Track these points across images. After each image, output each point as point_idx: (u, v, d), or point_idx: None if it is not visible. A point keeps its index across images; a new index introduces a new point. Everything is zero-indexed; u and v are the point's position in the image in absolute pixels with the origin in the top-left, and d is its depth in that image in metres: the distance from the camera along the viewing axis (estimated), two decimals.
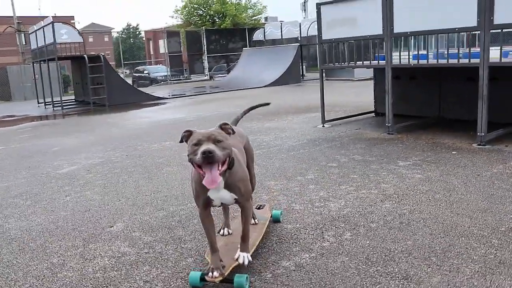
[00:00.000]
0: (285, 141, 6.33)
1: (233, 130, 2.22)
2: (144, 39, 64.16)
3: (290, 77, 17.46)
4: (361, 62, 6.95)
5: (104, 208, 3.87)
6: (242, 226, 2.43)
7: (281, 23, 21.58)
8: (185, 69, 26.48)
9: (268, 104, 3.42)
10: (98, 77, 13.40)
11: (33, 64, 16.92)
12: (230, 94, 15.07)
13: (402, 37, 7.05)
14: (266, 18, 37.63)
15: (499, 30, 5.14)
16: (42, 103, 15.52)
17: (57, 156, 6.27)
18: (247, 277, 2.32)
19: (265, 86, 16.92)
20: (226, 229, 2.88)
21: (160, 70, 27.88)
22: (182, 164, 5.23)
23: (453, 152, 5.02)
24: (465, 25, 5.23)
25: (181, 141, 2.19)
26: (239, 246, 2.45)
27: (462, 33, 5.63)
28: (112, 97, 13.47)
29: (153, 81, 25.86)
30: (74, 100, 16.50)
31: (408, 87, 7.00)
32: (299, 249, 2.80)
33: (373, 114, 8.05)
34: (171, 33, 26.09)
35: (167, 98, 15.27)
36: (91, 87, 13.34)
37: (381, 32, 6.12)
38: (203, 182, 2.05)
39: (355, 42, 6.75)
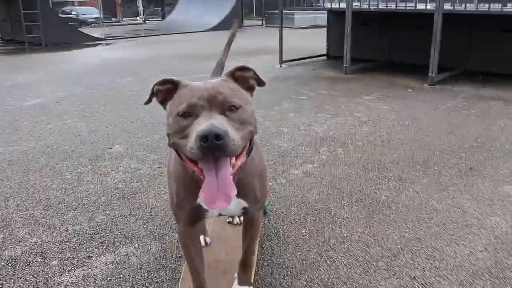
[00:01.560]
0: None
1: (260, 80, 1.26)
2: None
3: (232, 22, 17.35)
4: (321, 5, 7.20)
5: (95, 133, 3.95)
6: (244, 247, 1.59)
7: None
8: (119, 12, 25.29)
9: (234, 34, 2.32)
10: (32, 13, 12.58)
11: None
12: (173, 37, 14.81)
13: None
14: None
15: None
16: None
17: (15, 90, 6.06)
18: None
19: (205, 31, 16.73)
20: (202, 236, 1.91)
21: (90, 12, 26.45)
22: (191, 76, 5.31)
23: (408, 90, 5.53)
24: None
25: (149, 101, 1.27)
26: (235, 276, 1.65)
27: None
28: (48, 36, 12.77)
29: (83, 23, 24.56)
30: (0, 39, 15.41)
31: (360, 33, 7.41)
32: (301, 161, 3.13)
33: (325, 58, 8.42)
34: None
35: (108, 39, 14.72)
36: (25, 25, 12.53)
37: None
38: (201, 197, 1.08)
39: None
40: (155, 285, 1.77)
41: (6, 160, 3.34)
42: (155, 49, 10.90)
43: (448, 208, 2.40)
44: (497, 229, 2.16)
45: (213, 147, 0.97)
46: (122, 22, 24.98)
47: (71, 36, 13.66)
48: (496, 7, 5.57)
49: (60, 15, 25.43)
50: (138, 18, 25.67)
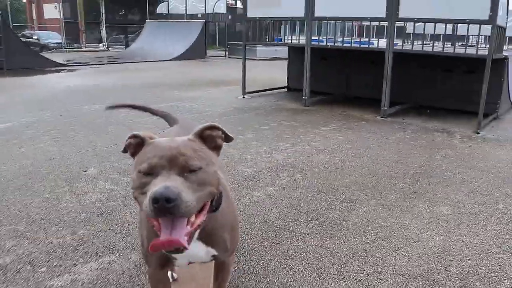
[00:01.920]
0: (214, 108, 6.88)
1: (226, 135, 1.31)
2: (24, 1, 58.93)
3: (195, 53, 17.82)
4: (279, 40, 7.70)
5: (68, 157, 4.14)
6: (216, 286, 1.68)
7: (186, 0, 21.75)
8: (81, 38, 25.34)
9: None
10: None
11: None
12: (138, 65, 15.04)
13: (317, 21, 7.91)
14: None
15: (403, 23, 6.19)
16: None
17: None
18: None
19: (170, 60, 17.06)
20: (169, 272, 1.98)
21: (52, 37, 26.32)
22: (125, 125, 5.55)
23: (362, 122, 6.01)
24: (375, 15, 6.20)
25: (125, 151, 1.35)
26: None
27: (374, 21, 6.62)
28: (10, 60, 12.74)
29: (44, 48, 24.39)
30: None
31: (319, 67, 7.93)
32: (263, 184, 3.46)
33: (285, 90, 8.90)
34: None
35: (71, 65, 14.79)
36: None
37: (302, 15, 6.89)
38: (156, 244, 1.12)
39: (277, 21, 7.48)
40: (138, 287, 2.02)
41: None
42: (120, 77, 11.10)
43: (391, 225, 2.77)
44: (431, 242, 2.55)
45: (164, 209, 1.01)
46: (84, 49, 24.97)
47: (33, 61, 13.65)
48: (440, 46, 6.19)
49: (21, 39, 25.18)
50: (100, 45, 25.74)
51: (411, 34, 7.50)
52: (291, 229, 2.68)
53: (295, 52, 8.53)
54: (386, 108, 6.32)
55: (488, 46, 5.76)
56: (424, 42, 6.30)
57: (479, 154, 4.51)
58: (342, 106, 7.16)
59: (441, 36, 7.46)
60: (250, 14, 7.54)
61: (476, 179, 3.69)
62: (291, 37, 8.11)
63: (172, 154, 1.11)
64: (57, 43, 24.85)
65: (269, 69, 13.28)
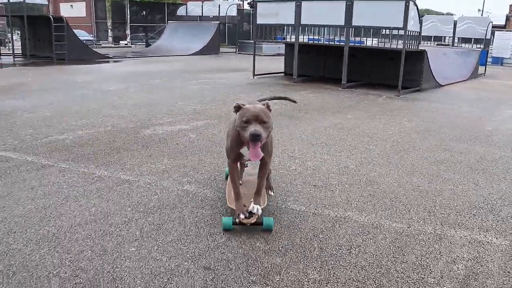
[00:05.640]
0: (234, 82, 10.58)
1: (292, 100, 3.29)
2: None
3: (210, 49, 21.49)
4: (282, 39, 11.40)
5: (163, 99, 7.81)
6: (258, 181, 2.73)
7: (202, 3, 25.43)
8: (110, 36, 29.07)
9: (295, 102, 4.29)
10: (60, 35, 16.31)
11: None
12: (165, 58, 18.68)
13: (304, 26, 11.62)
14: None
15: (352, 28, 9.89)
16: None
17: (87, 84, 9.79)
18: (273, 219, 2.73)
19: (189, 55, 20.72)
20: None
21: (81, 35, 30.04)
22: (197, 81, 9.23)
23: (328, 90, 9.71)
24: (338, 23, 9.90)
25: (235, 110, 2.52)
26: (251, 200, 2.72)
27: (337, 28, 10.30)
28: (70, 53, 16.47)
29: None
30: (21, 54, 18.88)
31: (305, 58, 11.57)
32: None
33: (283, 74, 12.60)
34: (97, 1, 28.54)
35: (115, 57, 18.48)
36: (55, 43, 16.23)
37: (293, 22, 10.59)
38: (248, 156, 2.46)
39: (277, 27, 11.18)
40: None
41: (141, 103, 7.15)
42: (157, 66, 14.77)
43: (320, 121, 6.44)
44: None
45: (255, 138, 2.32)
46: (112, 45, 28.65)
47: (85, 54, 17.40)
48: (383, 43, 9.88)
49: (77, 36, 28.90)
50: (124, 42, 29.37)
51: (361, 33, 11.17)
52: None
53: (289, 47, 12.23)
54: (344, 82, 10.02)
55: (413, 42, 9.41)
56: (365, 39, 9.99)
57: (387, 102, 8.21)
58: (318, 82, 10.86)
59: (380, 36, 11.15)
60: (259, 21, 11.23)
61: (375, 109, 7.37)
62: (286, 37, 11.80)
63: (256, 114, 2.37)
64: (87, 40, 28.58)
65: (272, 62, 16.94)
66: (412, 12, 9.15)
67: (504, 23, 39.96)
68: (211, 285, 2.18)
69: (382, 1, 9.34)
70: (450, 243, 2.72)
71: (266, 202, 2.87)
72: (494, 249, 2.66)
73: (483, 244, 2.71)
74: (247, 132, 2.34)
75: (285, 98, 4.24)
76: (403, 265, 2.43)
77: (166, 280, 2.20)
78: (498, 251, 2.64)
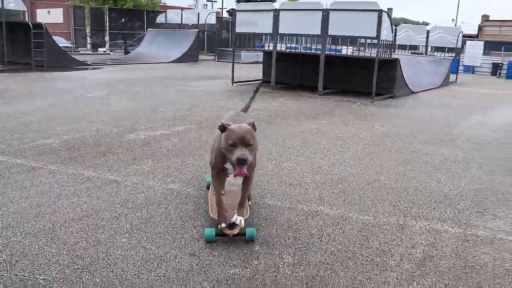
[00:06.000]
0: (213, 89, 10.85)
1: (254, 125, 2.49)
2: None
3: (190, 57, 21.72)
4: (261, 47, 11.72)
5: (145, 105, 8.02)
6: (242, 193, 2.75)
7: (181, 11, 25.67)
8: (89, 43, 29.02)
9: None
10: (38, 42, 16.34)
11: None
12: (145, 65, 18.83)
13: (282, 35, 11.98)
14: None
15: (329, 37, 10.29)
16: None
17: (69, 92, 9.94)
18: (256, 229, 2.75)
19: (168, 62, 20.90)
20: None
21: (59, 41, 29.91)
22: (165, 95, 9.46)
23: (304, 96, 10.06)
24: (315, 32, 10.28)
25: (220, 130, 2.49)
26: (235, 211, 2.74)
27: (313, 37, 10.68)
28: (49, 60, 16.50)
29: None
30: None
31: (282, 66, 11.93)
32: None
33: (261, 81, 12.93)
34: (76, 8, 28.50)
35: (95, 65, 18.56)
36: (33, 50, 16.25)
37: (271, 31, 10.94)
38: (233, 174, 2.46)
39: (255, 35, 11.51)
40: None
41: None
42: (137, 73, 14.93)
43: (297, 126, 6.76)
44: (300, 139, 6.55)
45: (241, 162, 2.33)
46: (90, 52, 28.60)
47: (64, 60, 17.45)
48: (360, 51, 10.28)
49: (56, 43, 28.72)
50: (102, 49, 29.33)
51: (338, 41, 11.58)
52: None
53: (267, 55, 12.57)
54: (321, 89, 10.39)
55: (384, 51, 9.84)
56: (341, 47, 10.38)
57: (361, 109, 8.59)
58: (295, 90, 11.21)
59: (357, 44, 11.59)
60: (238, 30, 11.55)
61: (349, 115, 7.73)
62: (264, 45, 12.14)
63: (242, 137, 2.37)
64: (65, 46, 28.49)
65: (251, 69, 17.23)
66: (385, 23, 9.59)
67: (477, 33, 41.30)
68: (197, 268, 2.44)
69: (357, 12, 9.75)
70: (411, 231, 3.03)
71: (248, 213, 2.93)
72: (449, 236, 2.99)
73: (440, 232, 3.04)
74: (234, 156, 2.37)
75: (256, 90, 4.24)
76: (368, 250, 2.73)
77: (156, 265, 2.45)
78: (452, 237, 2.96)
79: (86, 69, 16.57)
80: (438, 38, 16.40)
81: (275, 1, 20.36)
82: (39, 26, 16.62)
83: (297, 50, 11.53)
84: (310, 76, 11.69)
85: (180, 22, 24.80)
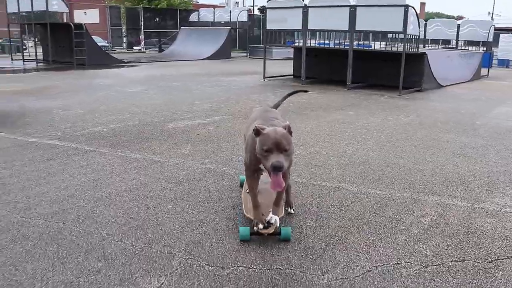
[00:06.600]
0: (246, 84, 11.31)
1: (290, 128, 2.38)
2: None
3: (223, 54, 22.28)
4: (292, 43, 12.11)
5: (183, 98, 8.55)
6: (277, 193, 2.65)
7: (214, 9, 26.30)
8: (124, 42, 30.02)
9: (306, 91, 4.36)
10: (79, 41, 17.19)
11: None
12: (179, 63, 19.49)
13: (310, 31, 12.32)
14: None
15: (357, 32, 10.57)
16: (17, 59, 18.74)
17: (111, 87, 10.56)
18: (291, 229, 2.70)
19: (203, 59, 21.50)
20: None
21: (96, 41, 31.01)
22: (211, 83, 9.97)
23: (334, 91, 10.39)
24: (342, 28, 10.59)
25: (255, 134, 2.39)
26: (270, 210, 2.71)
27: (341, 32, 10.99)
28: (90, 59, 17.34)
29: None
30: (43, 59, 19.78)
31: (312, 61, 12.27)
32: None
33: (292, 76, 13.31)
34: (112, 8, 29.54)
35: (132, 62, 19.33)
36: (75, 49, 17.11)
37: (300, 28, 11.30)
38: (270, 187, 2.37)
39: (286, 32, 11.90)
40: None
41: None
42: (173, 69, 15.53)
43: (332, 115, 7.13)
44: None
45: (277, 169, 2.24)
46: (126, 50, 29.58)
47: (104, 59, 18.27)
48: (381, 45, 10.53)
49: (96, 43, 29.91)
50: (137, 47, 30.28)
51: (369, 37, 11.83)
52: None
53: (297, 51, 12.94)
54: (349, 83, 10.70)
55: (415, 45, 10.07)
56: (371, 43, 10.65)
57: (388, 101, 8.87)
58: (324, 84, 11.54)
59: (385, 38, 11.81)
60: (269, 27, 11.96)
61: (375, 107, 8.03)
62: (295, 42, 12.50)
63: (278, 142, 2.27)
64: (102, 45, 29.56)
65: (283, 65, 17.59)
66: (412, 17, 9.81)
67: None
68: (232, 228, 2.88)
69: (384, 7, 10.00)
70: (422, 204, 3.39)
71: (283, 212, 2.93)
72: (457, 209, 3.33)
73: (449, 206, 3.38)
74: (269, 162, 2.29)
75: (296, 92, 4.19)
76: (381, 218, 3.11)
77: (198, 225, 2.91)
78: (460, 210, 3.30)
79: (124, 66, 17.31)
80: (469, 32, 16.34)
81: None
82: (79, 26, 17.49)
83: (326, 46, 11.83)
84: (339, 71, 11.97)
85: (212, 20, 25.40)
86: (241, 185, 3.50)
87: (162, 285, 2.21)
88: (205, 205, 3.24)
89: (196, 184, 3.69)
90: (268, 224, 2.64)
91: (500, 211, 3.30)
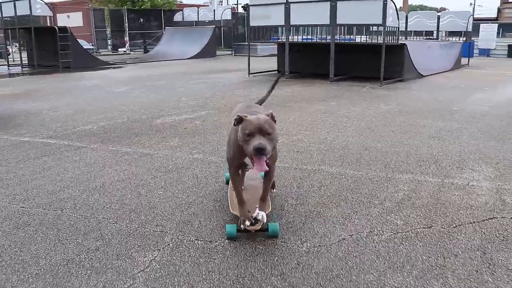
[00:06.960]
0: (231, 80, 11.53)
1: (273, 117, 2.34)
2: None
3: (208, 52, 22.45)
4: (276, 39, 12.34)
5: (169, 95, 8.75)
6: (263, 187, 2.66)
7: (198, 8, 26.46)
8: (109, 44, 30.04)
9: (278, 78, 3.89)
10: (64, 44, 17.26)
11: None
12: (165, 62, 19.63)
13: (293, 27, 12.56)
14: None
15: (339, 26, 10.84)
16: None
17: (96, 88, 10.73)
18: (278, 225, 2.66)
19: (188, 58, 21.65)
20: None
21: (82, 44, 30.97)
22: (196, 81, 10.17)
23: (317, 83, 10.65)
24: (324, 22, 10.85)
25: (235, 124, 2.36)
26: (257, 206, 2.65)
27: (323, 26, 11.25)
28: (75, 61, 17.42)
29: None
30: (28, 64, 19.78)
31: (296, 56, 12.52)
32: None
33: (276, 72, 13.54)
34: (96, 10, 29.53)
35: (117, 64, 19.43)
36: (60, 52, 17.18)
37: (283, 23, 11.54)
38: (253, 170, 2.33)
39: (270, 28, 12.14)
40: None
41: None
42: (158, 70, 15.68)
43: (313, 107, 7.37)
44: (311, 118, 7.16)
45: (259, 152, 2.17)
46: (111, 52, 29.61)
47: (89, 61, 18.37)
48: (365, 39, 10.82)
49: (81, 45, 29.79)
50: (122, 49, 30.29)
51: (353, 31, 12.13)
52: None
53: (281, 47, 13.18)
54: (332, 76, 10.97)
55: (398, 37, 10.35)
56: (355, 36, 10.92)
57: (370, 92, 9.15)
58: (308, 78, 11.80)
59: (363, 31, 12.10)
60: (252, 24, 12.19)
61: (356, 97, 8.30)
62: (279, 38, 12.74)
63: (259, 126, 2.23)
64: (87, 48, 29.54)
65: (267, 61, 17.80)
66: (391, 10, 10.10)
67: (496, 16, 41.02)
68: (219, 208, 3.11)
69: (363, 1, 10.28)
70: (396, 181, 3.65)
71: (270, 208, 2.88)
72: (428, 184, 3.59)
73: (421, 182, 3.64)
74: (251, 145, 2.22)
75: (276, 82, 3.88)
76: (357, 195, 3.36)
77: (187, 207, 3.13)
78: (431, 185, 3.57)
79: (109, 68, 17.40)
80: (449, 23, 16.73)
81: None
82: (64, 29, 17.55)
83: (309, 41, 12.09)
84: (322, 65, 12.24)
85: (196, 20, 25.56)
86: (227, 183, 3.45)
87: (156, 258, 2.43)
88: (193, 190, 3.47)
89: (185, 172, 3.91)
90: (255, 221, 2.58)
91: (468, 184, 3.57)
